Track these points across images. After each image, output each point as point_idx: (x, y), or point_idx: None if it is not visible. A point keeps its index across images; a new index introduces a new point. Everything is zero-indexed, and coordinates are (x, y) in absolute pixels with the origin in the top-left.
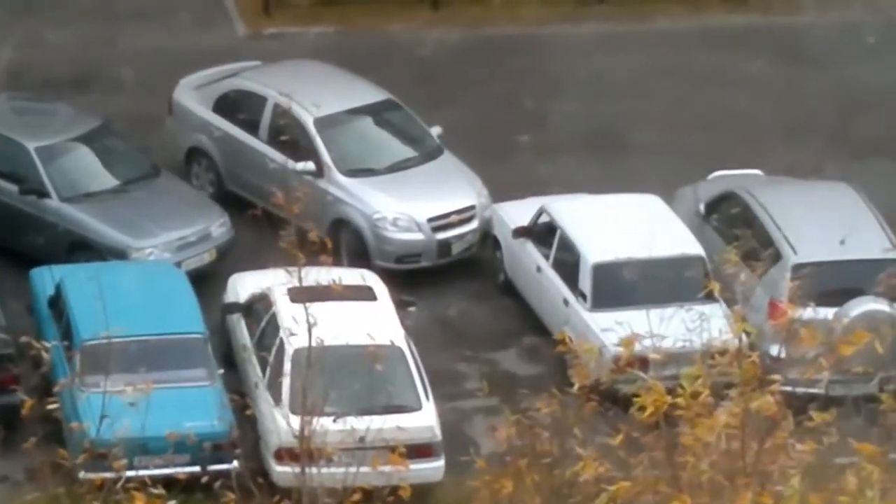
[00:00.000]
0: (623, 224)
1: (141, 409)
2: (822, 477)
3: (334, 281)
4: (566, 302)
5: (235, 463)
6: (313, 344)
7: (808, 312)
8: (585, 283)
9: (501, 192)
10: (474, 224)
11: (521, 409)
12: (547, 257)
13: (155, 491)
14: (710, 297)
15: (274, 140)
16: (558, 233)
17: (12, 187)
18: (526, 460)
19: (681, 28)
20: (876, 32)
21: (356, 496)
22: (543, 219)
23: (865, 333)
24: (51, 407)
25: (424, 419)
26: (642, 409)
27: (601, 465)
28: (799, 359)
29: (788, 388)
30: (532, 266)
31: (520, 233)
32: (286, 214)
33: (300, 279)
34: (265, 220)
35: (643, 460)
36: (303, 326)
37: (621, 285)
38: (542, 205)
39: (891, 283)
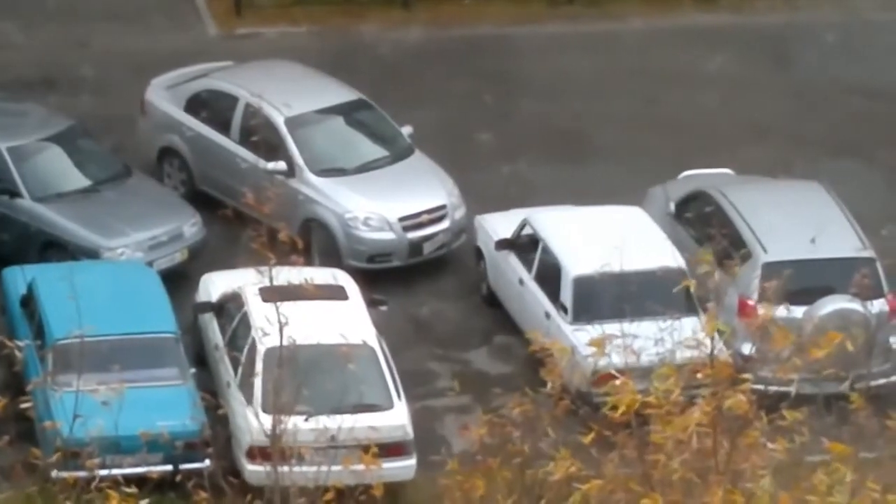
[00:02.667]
0: (605, 236)
1: (113, 409)
2: (794, 476)
3: (306, 280)
4: (548, 315)
5: (208, 462)
6: (285, 343)
7: (780, 311)
8: (567, 295)
9: (472, 192)
10: (445, 223)
11: (493, 408)
12: (530, 270)
13: (128, 490)
14: (690, 311)
15: (245, 140)
16: (541, 245)
17: None
18: (497, 459)
19: (650, 28)
20: (846, 33)
21: (328, 495)
22: (526, 231)
23: (837, 334)
24: (23, 406)
25: (396, 418)
26: (614, 408)
27: (572, 464)
28: (770, 357)
29: (760, 387)
30: (515, 278)
31: (503, 245)
32: (257, 214)
33: (271, 279)
34: (237, 220)
35: (614, 459)
36: (274, 326)
37: (602, 298)
38: (526, 217)
39: (861, 283)
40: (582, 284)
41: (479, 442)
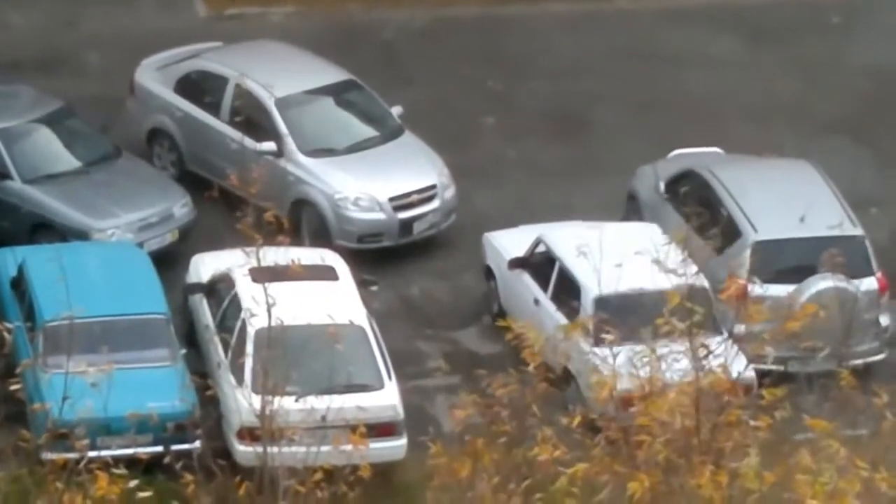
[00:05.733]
0: (622, 253)
1: (104, 390)
2: (779, 453)
3: (292, 261)
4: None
5: (198, 443)
6: (275, 324)
7: (759, 290)
8: (586, 315)
9: (463, 172)
10: (435, 203)
11: (481, 388)
12: (545, 289)
13: (117, 471)
14: (714, 330)
15: (235, 121)
16: (557, 264)
17: None
18: (482, 440)
19: (644, 8)
20: (839, 12)
21: (317, 476)
22: (540, 249)
23: (813, 306)
24: (13, 388)
25: (387, 398)
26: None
27: (556, 447)
28: (755, 335)
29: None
30: (529, 298)
31: (516, 264)
32: (246, 194)
33: (258, 259)
34: (227, 201)
35: (600, 441)
36: (265, 306)
37: (624, 319)
38: (540, 234)
39: (832, 261)
40: (603, 304)
41: (464, 423)
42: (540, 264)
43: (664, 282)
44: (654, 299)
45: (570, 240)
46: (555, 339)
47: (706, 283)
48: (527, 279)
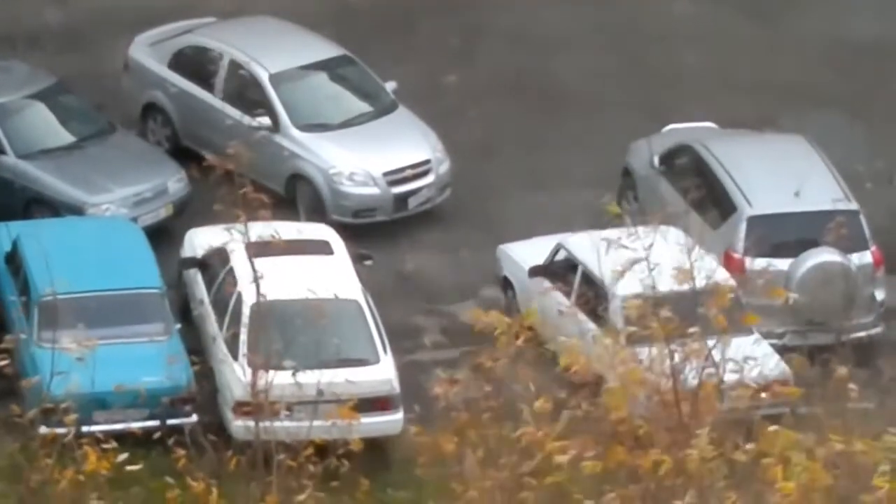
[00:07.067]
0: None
1: (98, 365)
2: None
3: (274, 234)
4: (594, 340)
5: (193, 417)
6: (270, 299)
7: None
8: (616, 319)
9: (457, 147)
10: (430, 178)
11: (475, 363)
12: (568, 296)
13: (107, 446)
14: (739, 331)
15: (229, 96)
16: (580, 269)
17: None
18: (465, 414)
19: None
20: None
21: (309, 450)
22: (561, 255)
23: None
24: (3, 363)
25: (382, 372)
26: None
27: (539, 428)
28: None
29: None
30: (552, 307)
31: (536, 272)
32: (240, 169)
33: (246, 234)
34: (219, 176)
35: (574, 416)
36: (259, 281)
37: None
38: (559, 241)
39: (840, 234)
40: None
41: (452, 397)
42: (561, 271)
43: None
44: (681, 299)
45: (591, 244)
46: (587, 345)
47: (733, 282)
48: (549, 287)
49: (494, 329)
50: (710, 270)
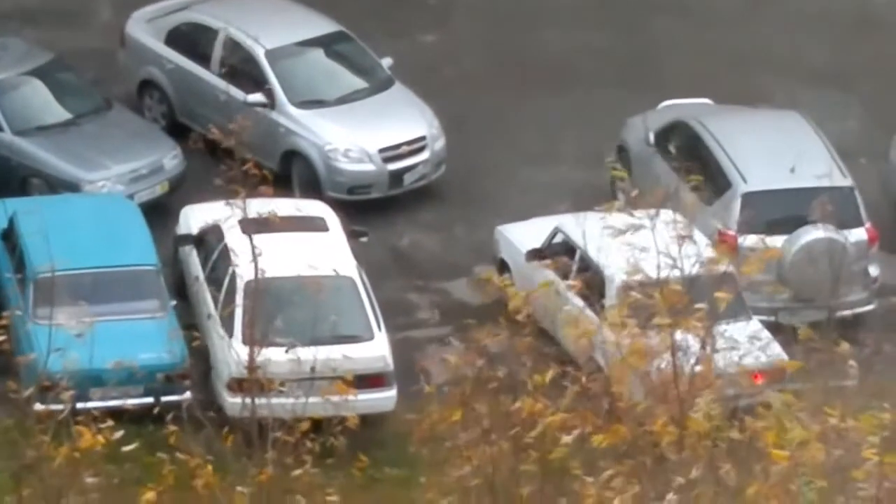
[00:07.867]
0: (644, 240)
1: (94, 341)
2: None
3: (273, 211)
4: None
5: (188, 394)
6: (265, 275)
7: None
8: (612, 303)
9: (453, 124)
10: (426, 155)
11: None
12: (566, 279)
13: (102, 425)
14: (742, 315)
15: (225, 72)
16: (578, 252)
17: None
18: (462, 389)
19: None
20: None
21: (304, 426)
22: (558, 238)
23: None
24: (0, 339)
25: (376, 349)
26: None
27: (538, 401)
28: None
29: None
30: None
31: (534, 255)
32: (234, 146)
33: (245, 210)
34: (216, 152)
35: (573, 392)
36: (253, 257)
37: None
38: (557, 224)
39: (825, 211)
40: (629, 290)
41: (453, 372)
42: (559, 254)
43: (688, 267)
44: (682, 285)
45: (588, 227)
46: (583, 328)
47: (733, 269)
48: (545, 270)
49: (495, 299)
50: (702, 255)
